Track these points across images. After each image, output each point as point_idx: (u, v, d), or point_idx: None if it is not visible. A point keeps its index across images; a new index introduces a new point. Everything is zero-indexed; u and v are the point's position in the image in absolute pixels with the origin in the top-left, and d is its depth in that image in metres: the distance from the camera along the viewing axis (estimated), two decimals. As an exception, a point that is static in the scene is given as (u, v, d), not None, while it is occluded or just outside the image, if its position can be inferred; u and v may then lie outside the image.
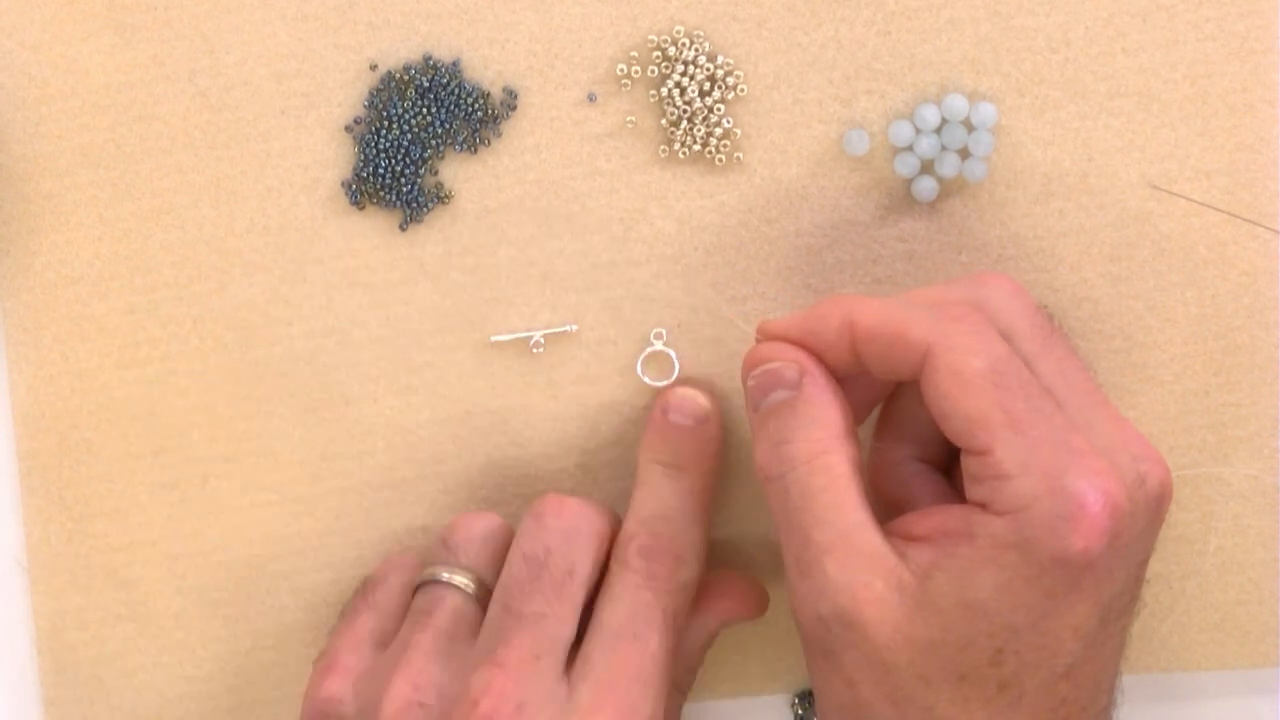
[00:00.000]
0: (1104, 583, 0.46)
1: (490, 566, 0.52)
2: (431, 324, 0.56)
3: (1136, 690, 0.57)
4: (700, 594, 0.54)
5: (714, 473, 0.54)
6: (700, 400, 0.55)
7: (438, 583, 0.52)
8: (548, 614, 0.49)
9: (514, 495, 0.57)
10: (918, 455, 0.53)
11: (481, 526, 0.53)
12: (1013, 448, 0.46)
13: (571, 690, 0.48)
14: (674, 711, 0.54)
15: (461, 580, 0.52)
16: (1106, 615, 0.47)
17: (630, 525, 0.52)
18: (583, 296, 0.56)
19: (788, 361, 0.50)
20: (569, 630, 0.50)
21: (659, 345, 0.56)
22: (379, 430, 0.57)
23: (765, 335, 0.52)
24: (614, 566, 0.51)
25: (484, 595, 0.52)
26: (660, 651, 0.49)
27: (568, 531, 0.51)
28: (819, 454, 0.48)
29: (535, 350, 0.56)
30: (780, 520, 0.49)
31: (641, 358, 0.56)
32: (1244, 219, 0.55)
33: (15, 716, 0.58)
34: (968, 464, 0.47)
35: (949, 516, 0.47)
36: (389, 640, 0.52)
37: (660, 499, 0.53)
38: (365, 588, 0.54)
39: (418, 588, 0.52)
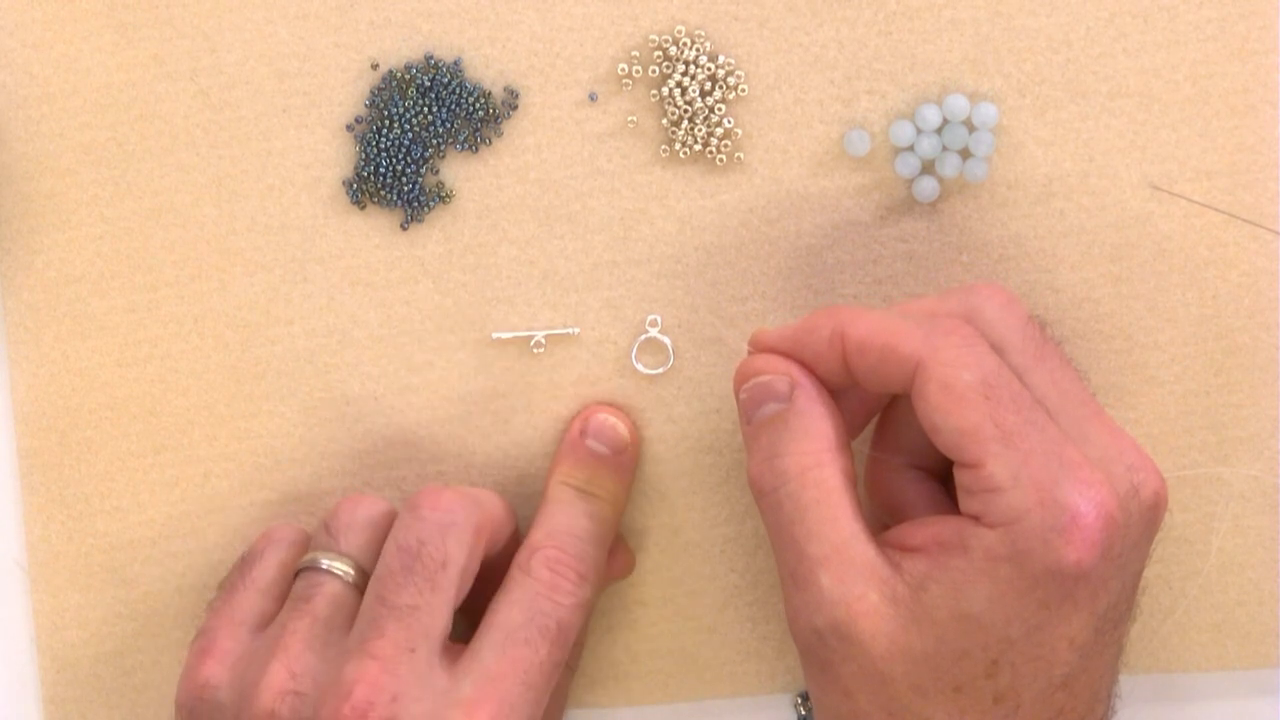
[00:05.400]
0: (1098, 594, 0.47)
1: (371, 553, 0.52)
2: (432, 323, 0.56)
3: (1137, 691, 0.57)
4: None
5: (624, 502, 0.55)
6: (620, 430, 0.55)
7: (317, 569, 0.51)
8: (421, 605, 0.49)
9: (515, 495, 0.56)
10: (915, 463, 0.53)
11: (364, 511, 0.52)
12: (1004, 460, 0.46)
13: (454, 682, 0.48)
14: (563, 689, 0.55)
15: (341, 568, 0.51)
16: (1101, 625, 0.47)
17: (537, 535, 0.52)
18: (583, 296, 0.56)
19: (779, 374, 0.50)
20: (443, 621, 0.49)
21: (654, 333, 0.56)
22: (379, 430, 0.57)
23: (757, 346, 0.51)
24: (515, 572, 0.51)
25: (363, 582, 0.51)
26: (548, 663, 0.49)
27: (442, 523, 0.50)
28: (811, 467, 0.48)
29: (536, 350, 0.56)
30: (774, 534, 0.49)
31: (636, 345, 0.56)
32: (1244, 219, 0.55)
33: (15, 714, 0.58)
34: (960, 477, 0.47)
35: (943, 528, 0.47)
36: (266, 621, 0.51)
37: (570, 517, 0.53)
38: (243, 564, 0.53)
39: (299, 572, 0.52)
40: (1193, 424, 0.56)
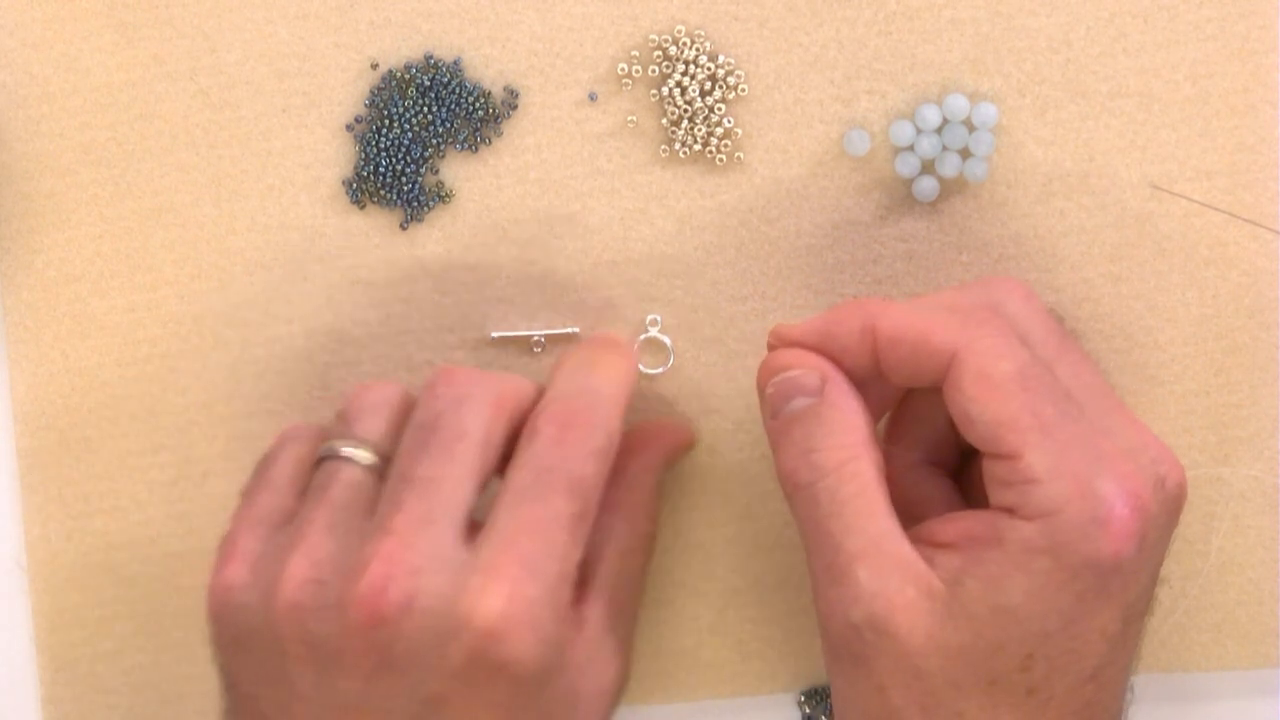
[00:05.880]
0: (1129, 585, 0.47)
1: (391, 437, 0.50)
2: (432, 322, 0.56)
3: (1138, 691, 0.56)
4: (633, 443, 0.53)
5: (631, 373, 0.52)
6: (616, 336, 0.55)
7: (333, 457, 0.50)
8: (438, 476, 0.47)
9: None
10: (928, 459, 0.53)
11: (378, 395, 0.51)
12: (1043, 451, 0.46)
13: (473, 553, 0.47)
14: (638, 572, 0.53)
15: (358, 452, 0.50)
16: (1129, 617, 0.47)
17: (544, 400, 0.50)
18: (583, 295, 0.56)
19: (808, 368, 0.50)
20: (464, 494, 0.48)
21: (654, 332, 0.56)
22: (379, 430, 0.57)
23: (781, 341, 0.51)
24: (523, 435, 0.49)
25: (384, 466, 0.50)
26: (565, 516, 0.47)
27: (458, 397, 0.49)
28: (848, 460, 0.48)
29: (536, 350, 0.56)
30: (808, 527, 0.49)
31: (636, 345, 0.56)
32: (1244, 219, 0.55)
33: (13, 714, 0.58)
34: (994, 469, 0.47)
35: (975, 522, 0.47)
36: (288, 519, 0.50)
37: (575, 378, 0.51)
38: (260, 466, 0.52)
39: (318, 463, 0.50)
40: (1193, 424, 0.56)
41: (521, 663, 0.46)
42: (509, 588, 0.46)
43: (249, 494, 0.51)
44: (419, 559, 0.46)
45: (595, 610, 0.50)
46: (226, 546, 0.50)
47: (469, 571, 0.46)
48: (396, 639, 0.46)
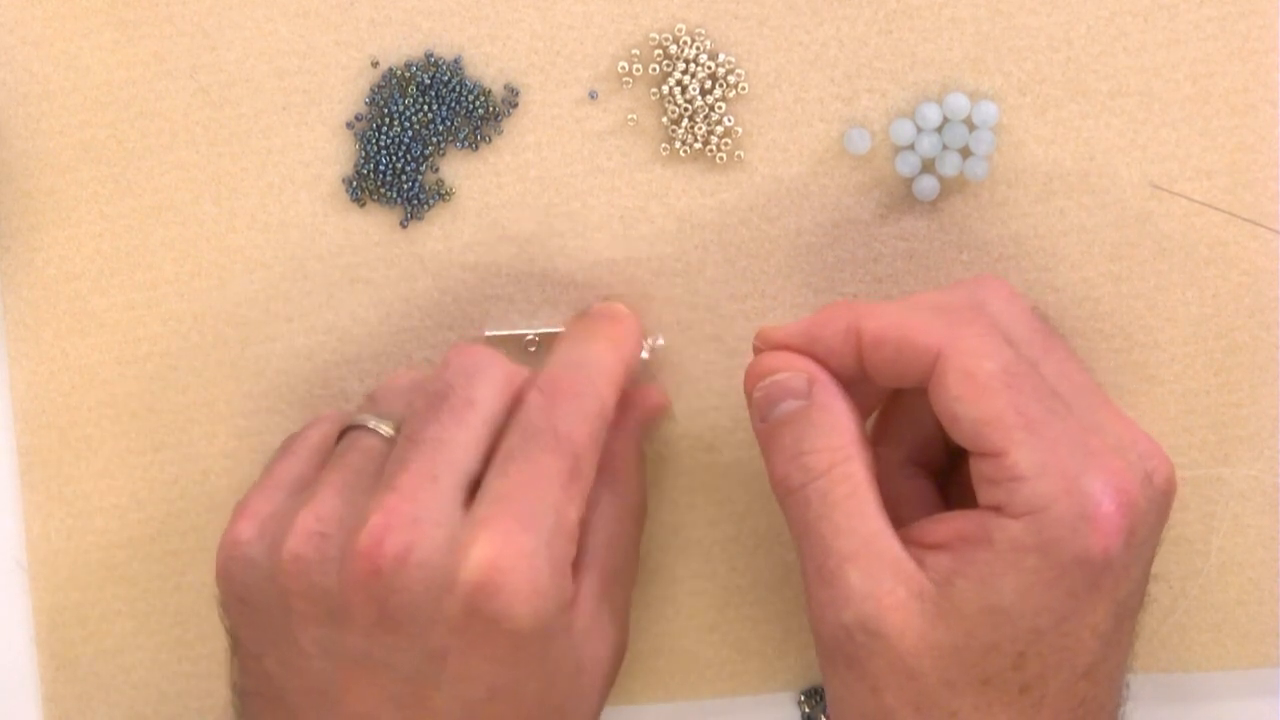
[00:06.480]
0: (1120, 581, 0.47)
1: None
2: (432, 321, 0.56)
3: (1137, 691, 0.56)
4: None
5: (630, 342, 0.53)
6: (619, 306, 0.55)
7: (356, 428, 0.51)
8: (444, 439, 0.48)
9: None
10: (914, 460, 0.53)
11: (407, 379, 0.52)
12: (1029, 449, 0.46)
13: (470, 511, 0.47)
14: (629, 541, 0.53)
15: (380, 425, 0.50)
16: (1121, 613, 0.47)
17: (536, 375, 0.51)
18: (583, 294, 0.56)
19: (795, 371, 0.50)
20: (469, 459, 0.48)
21: (644, 352, 0.56)
22: (379, 428, 0.57)
23: (766, 344, 0.51)
24: (514, 407, 0.50)
25: None
26: (553, 470, 0.48)
27: (469, 369, 0.50)
28: (840, 462, 0.48)
29: (530, 349, 0.56)
30: (799, 530, 0.49)
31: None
32: (1245, 219, 0.55)
33: (13, 712, 0.58)
34: (981, 467, 0.47)
35: (964, 522, 0.47)
36: (306, 485, 0.50)
37: (570, 351, 0.52)
38: (285, 442, 0.53)
39: (341, 436, 0.51)
40: (1193, 424, 0.56)
41: (517, 617, 0.46)
42: (500, 540, 0.46)
43: (270, 465, 0.52)
44: (419, 511, 0.46)
45: (588, 580, 0.50)
46: (240, 506, 0.50)
47: (466, 526, 0.46)
48: (393, 591, 0.46)
